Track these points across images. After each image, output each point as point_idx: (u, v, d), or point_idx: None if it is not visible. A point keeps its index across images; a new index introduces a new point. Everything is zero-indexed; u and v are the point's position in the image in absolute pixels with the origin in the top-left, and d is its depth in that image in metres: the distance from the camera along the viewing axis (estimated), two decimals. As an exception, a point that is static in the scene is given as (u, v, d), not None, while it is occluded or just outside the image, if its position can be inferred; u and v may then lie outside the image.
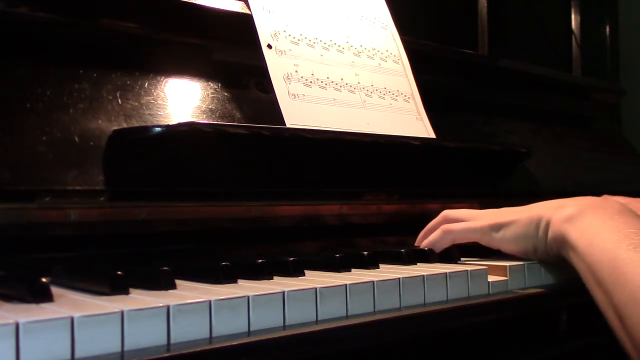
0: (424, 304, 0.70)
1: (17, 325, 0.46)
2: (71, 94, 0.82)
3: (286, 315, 0.59)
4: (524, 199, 0.98)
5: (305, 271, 0.73)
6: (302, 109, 0.96)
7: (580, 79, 1.85)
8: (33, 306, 0.53)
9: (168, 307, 0.52)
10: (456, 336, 0.72)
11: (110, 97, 0.85)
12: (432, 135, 1.11)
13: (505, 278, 0.80)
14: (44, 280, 0.56)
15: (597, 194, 1.08)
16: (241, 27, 0.98)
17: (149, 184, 0.82)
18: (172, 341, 0.52)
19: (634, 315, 0.66)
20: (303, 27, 1.03)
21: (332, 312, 0.62)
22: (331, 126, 0.98)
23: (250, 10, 0.99)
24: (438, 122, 1.13)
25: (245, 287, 0.62)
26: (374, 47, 1.12)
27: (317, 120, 0.97)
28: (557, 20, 1.90)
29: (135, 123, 0.84)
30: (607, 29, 2.03)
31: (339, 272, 0.75)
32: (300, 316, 0.60)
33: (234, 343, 0.53)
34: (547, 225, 0.81)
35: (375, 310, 0.66)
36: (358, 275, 0.71)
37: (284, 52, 0.98)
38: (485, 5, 1.57)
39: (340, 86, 1.03)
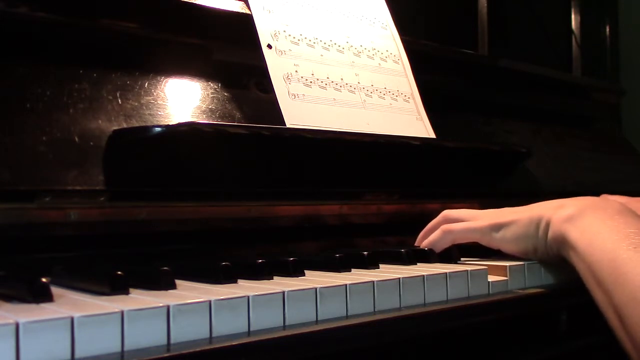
0: (424, 304, 0.70)
1: (17, 325, 0.46)
2: (71, 94, 0.82)
3: (286, 315, 0.59)
4: (524, 199, 0.98)
5: (305, 271, 0.73)
6: (302, 109, 0.96)
7: (580, 79, 1.85)
8: (33, 306, 0.53)
9: (168, 307, 0.52)
10: (456, 336, 0.72)
11: (110, 97, 0.85)
12: (432, 135, 1.11)
13: (505, 278, 0.80)
14: (44, 280, 0.56)
15: (597, 194, 1.08)
16: (241, 27, 0.98)
17: (149, 184, 0.82)
18: (172, 341, 0.52)
19: (634, 315, 0.66)
20: (303, 27, 1.03)
21: (332, 312, 0.62)
22: (331, 126, 0.98)
23: (250, 10, 0.99)
24: (438, 122, 1.13)
25: (245, 287, 0.62)
26: (374, 47, 1.12)
27: (317, 120, 0.97)
28: (557, 20, 1.90)
29: (135, 123, 0.84)
30: (607, 29, 2.03)
31: (339, 272, 0.75)
32: (300, 316, 0.60)
33: (234, 343, 0.53)
34: (547, 225, 0.81)
35: (375, 310, 0.66)
36: (358, 275, 0.71)
37: (284, 52, 0.98)
38: (485, 5, 1.57)
39: (340, 86, 1.03)
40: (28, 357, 0.46)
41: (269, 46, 0.97)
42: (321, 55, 1.03)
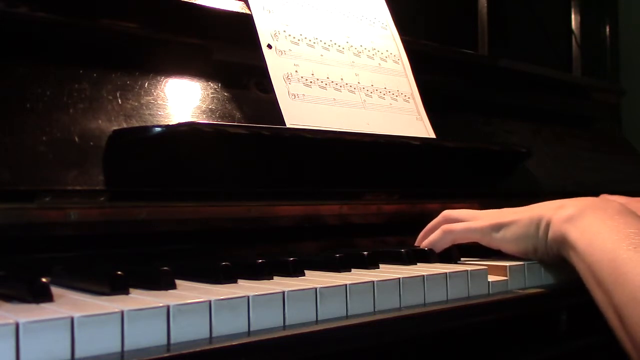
0: (424, 304, 0.70)
1: (17, 325, 0.46)
2: (71, 94, 0.82)
3: (286, 315, 0.59)
4: (524, 199, 0.98)
5: (305, 271, 0.73)
6: (302, 109, 0.96)
7: (580, 79, 1.85)
8: (33, 306, 0.53)
9: (168, 307, 0.52)
10: (456, 336, 0.72)
11: (110, 97, 0.85)
12: (432, 135, 1.11)
13: (505, 278, 0.80)
14: (44, 280, 0.56)
15: (597, 194, 1.08)
16: (241, 27, 0.98)
17: (149, 184, 0.82)
18: (172, 341, 0.52)
19: (634, 315, 0.66)
20: (303, 27, 1.03)
21: (332, 312, 0.62)
22: (331, 126, 0.98)
23: (250, 10, 0.99)
24: (438, 122, 1.13)
25: (245, 287, 0.62)
26: (374, 47, 1.12)
27: (317, 120, 0.97)
28: (557, 20, 1.90)
29: (135, 123, 0.84)
30: (607, 29, 2.03)
31: (339, 272, 0.75)
32: (300, 316, 0.60)
33: (234, 343, 0.53)
34: (548, 225, 0.81)
35: (375, 310, 0.66)
36: (358, 275, 0.71)
37: (284, 52, 0.98)
38: (485, 5, 1.57)
39: (340, 86, 1.03)
40: (28, 357, 0.46)
41: (269, 46, 0.97)
42: (321, 55, 1.03)
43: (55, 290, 0.57)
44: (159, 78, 0.92)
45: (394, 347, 0.66)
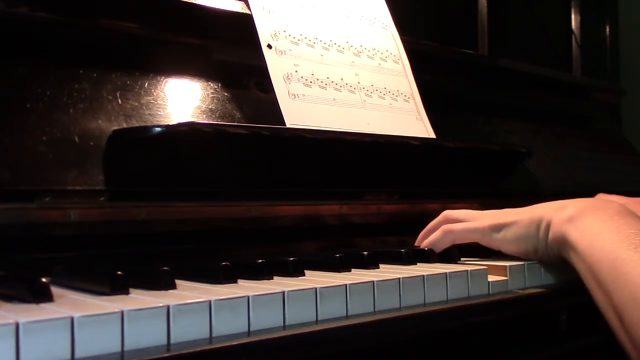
0: (424, 304, 0.70)
1: (17, 325, 0.46)
2: (71, 94, 0.82)
3: (286, 315, 0.59)
4: (524, 199, 0.98)
5: (305, 271, 0.73)
6: (302, 109, 0.96)
7: (580, 79, 1.85)
8: (33, 306, 0.53)
9: (168, 307, 0.52)
10: (456, 336, 0.72)
11: (110, 97, 0.85)
12: (432, 135, 1.11)
13: (505, 278, 0.80)
14: (44, 280, 0.56)
15: (597, 194, 1.08)
16: (241, 27, 0.98)
17: (149, 184, 0.82)
18: (172, 341, 0.52)
19: (633, 316, 0.66)
20: (303, 27, 1.03)
21: (332, 312, 0.62)
22: (331, 126, 0.98)
23: (250, 10, 0.99)
24: (438, 122, 1.13)
25: (245, 287, 0.62)
26: (374, 47, 1.12)
27: (317, 120, 0.96)
28: (557, 20, 1.90)
29: (135, 123, 0.84)
30: (607, 29, 2.03)
31: (339, 272, 0.75)
32: (300, 316, 0.60)
33: (234, 343, 0.53)
34: (548, 226, 0.81)
35: (375, 310, 0.66)
36: (358, 275, 0.71)
37: (284, 52, 0.98)
38: (485, 5, 1.57)
39: (340, 86, 1.03)
40: (28, 357, 0.46)
41: (269, 46, 0.97)
42: (321, 55, 1.03)
43: (55, 290, 0.57)
44: (159, 78, 0.92)
45: (394, 347, 0.66)
